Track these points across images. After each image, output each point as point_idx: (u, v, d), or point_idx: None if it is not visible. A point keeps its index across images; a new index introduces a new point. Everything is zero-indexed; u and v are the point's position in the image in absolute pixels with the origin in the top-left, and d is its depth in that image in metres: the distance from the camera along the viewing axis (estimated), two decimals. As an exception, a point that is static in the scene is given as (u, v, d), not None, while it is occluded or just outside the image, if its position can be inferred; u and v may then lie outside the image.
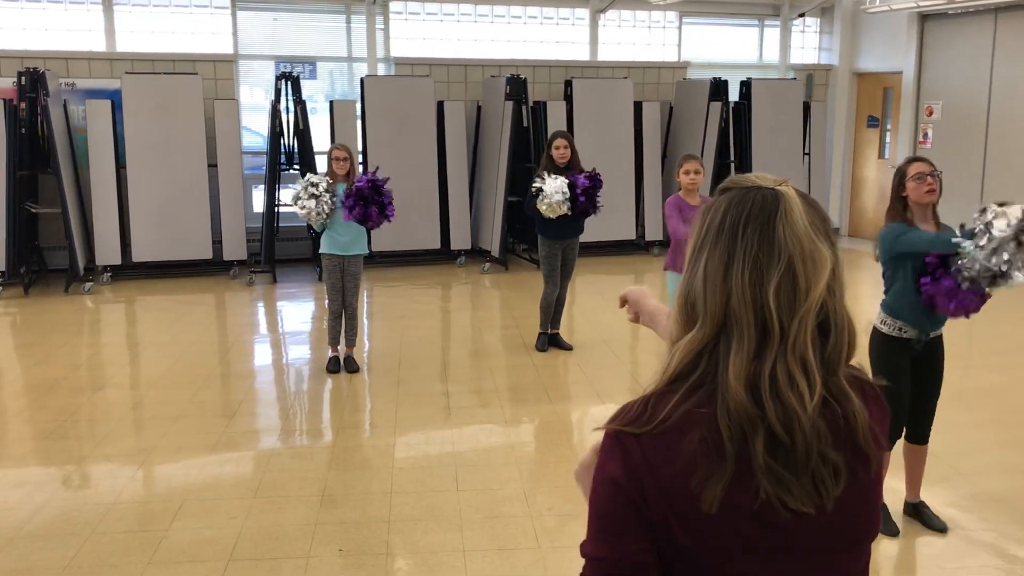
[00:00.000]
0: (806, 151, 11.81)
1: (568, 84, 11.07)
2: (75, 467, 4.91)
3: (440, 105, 10.54)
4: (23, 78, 9.00)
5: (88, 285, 9.15)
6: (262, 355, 7.38)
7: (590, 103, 10.96)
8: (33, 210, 9.34)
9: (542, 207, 6.46)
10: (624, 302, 1.94)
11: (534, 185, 6.55)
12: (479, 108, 11.04)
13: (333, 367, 6.50)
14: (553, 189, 6.42)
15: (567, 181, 6.49)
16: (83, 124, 9.54)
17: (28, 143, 9.13)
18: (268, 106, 10.09)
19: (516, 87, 10.27)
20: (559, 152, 6.66)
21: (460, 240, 10.64)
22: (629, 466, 1.19)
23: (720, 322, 1.19)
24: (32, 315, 8.36)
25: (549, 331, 7.07)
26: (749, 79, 11.54)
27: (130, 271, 9.68)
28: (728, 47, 12.64)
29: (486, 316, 8.50)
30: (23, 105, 9.02)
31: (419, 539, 3.95)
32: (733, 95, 11.43)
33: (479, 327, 8.01)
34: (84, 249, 9.47)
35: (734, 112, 11.41)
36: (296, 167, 10.08)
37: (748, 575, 1.18)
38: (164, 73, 9.76)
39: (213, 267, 9.91)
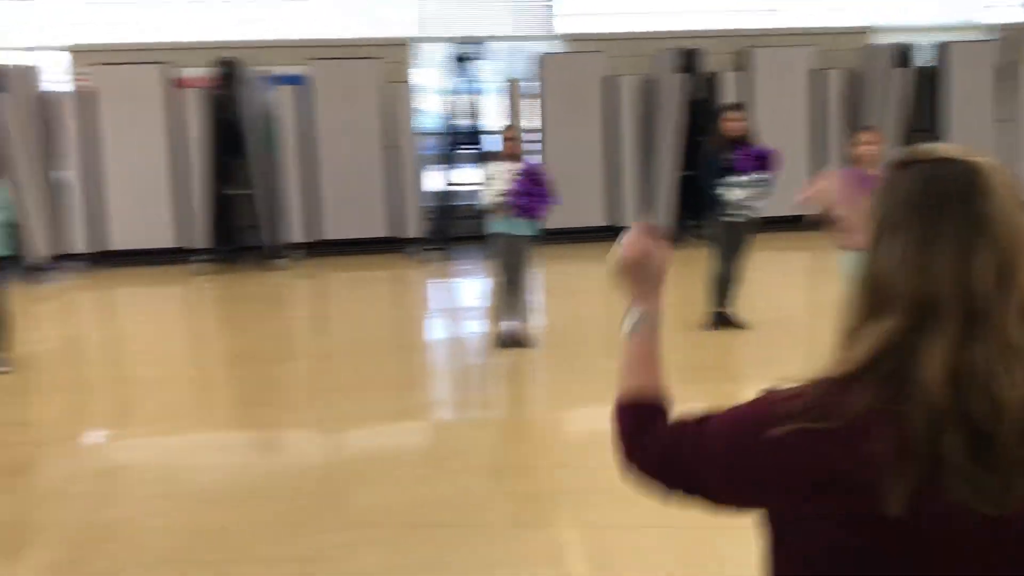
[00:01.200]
0: (1006, 118, 10.92)
1: (743, 54, 10.72)
2: (269, 432, 5.27)
3: (611, 80, 10.47)
4: (219, 68, 9.65)
5: (279, 262, 9.73)
6: (437, 329, 7.63)
7: (767, 73, 10.58)
8: (230, 192, 10.02)
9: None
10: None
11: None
12: (650, 82, 10.88)
13: (505, 342, 6.64)
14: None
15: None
16: (273, 109, 10.11)
17: (225, 129, 9.78)
18: (443, 87, 10.36)
19: (688, 59, 10.05)
20: (732, 124, 6.47)
21: (629, 216, 10.57)
22: (805, 458, 1.12)
23: (917, 308, 1.09)
24: (230, 290, 8.99)
25: (722, 309, 6.92)
26: (943, 42, 10.77)
27: (318, 248, 10.23)
28: (920, 7, 11.84)
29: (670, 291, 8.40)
30: (220, 93, 9.67)
31: (589, 513, 3.99)
32: (923, 59, 10.71)
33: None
34: (277, 228, 10.07)
35: (924, 78, 10.69)
36: (469, 147, 10.31)
37: None
38: (347, 58, 10.18)
39: (391, 245, 10.31)
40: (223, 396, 6.09)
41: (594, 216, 10.53)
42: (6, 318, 6.17)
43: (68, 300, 8.85)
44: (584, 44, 10.98)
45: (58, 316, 8.34)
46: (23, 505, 4.38)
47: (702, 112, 10.45)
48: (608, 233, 10.59)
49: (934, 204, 1.11)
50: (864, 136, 5.57)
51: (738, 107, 6.58)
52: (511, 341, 6.59)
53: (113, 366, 6.82)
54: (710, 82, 10.52)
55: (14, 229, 6.25)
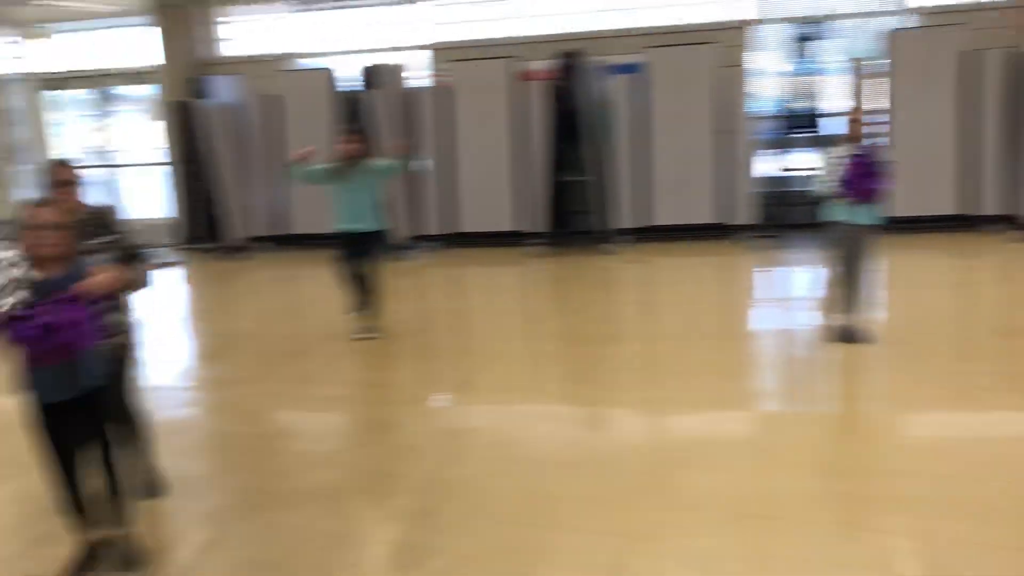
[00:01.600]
0: None
1: None
2: (596, 409, 5.51)
3: (971, 55, 9.52)
4: (561, 59, 10.10)
5: (611, 247, 10.03)
6: (765, 319, 7.47)
7: None
8: (566, 179, 10.48)
9: None
10: None
11: None
12: (1018, 56, 9.75)
13: (840, 337, 6.34)
14: None
15: None
16: (610, 98, 10.40)
17: (563, 118, 10.24)
18: (779, 70, 10.04)
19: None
20: None
21: (992, 205, 9.58)
22: None
23: None
24: (564, 272, 9.43)
25: None
26: None
27: (649, 234, 10.38)
28: None
29: (1020, 291, 7.58)
30: (560, 84, 10.13)
31: (930, 524, 3.74)
32: None
33: (1010, 303, 7.19)
34: (609, 214, 10.38)
35: None
36: (809, 129, 9.92)
37: None
38: (681, 45, 10.21)
39: (721, 231, 10.21)
40: (555, 372, 6.44)
41: (944, 204, 9.69)
42: (378, 290, 7.01)
43: (423, 277, 9.78)
44: (941, 17, 10.08)
45: (415, 291, 9.26)
46: (386, 457, 4.97)
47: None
48: (961, 223, 9.69)
49: None
50: None
51: None
52: (847, 336, 6.29)
53: (458, 337, 7.46)
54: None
55: (383, 209, 7.05)
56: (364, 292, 7.00)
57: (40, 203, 3.50)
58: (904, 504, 3.93)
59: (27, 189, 12.56)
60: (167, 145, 12.18)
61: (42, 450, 3.50)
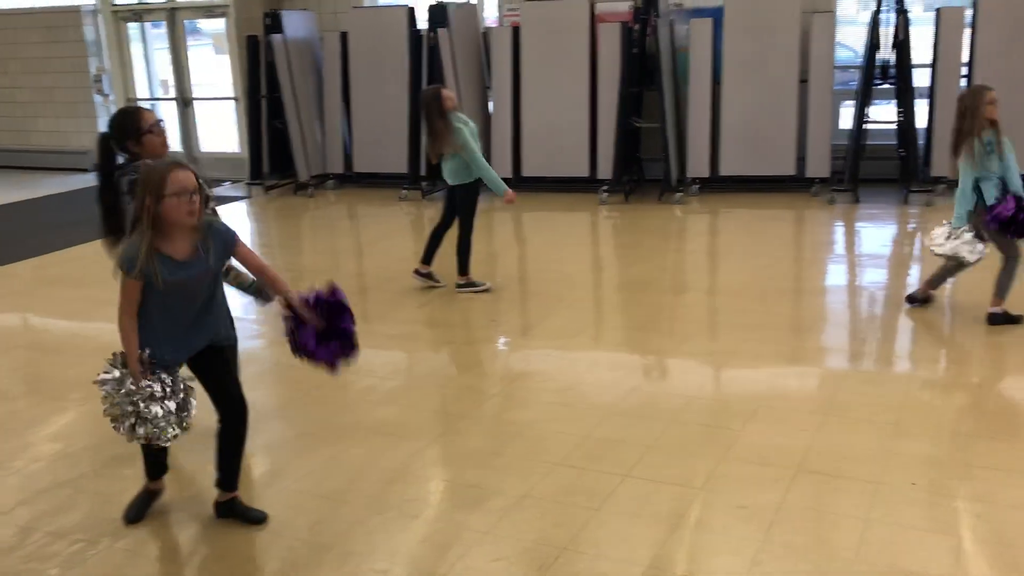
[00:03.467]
0: None
1: None
2: (659, 359, 5.45)
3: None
4: (639, 1, 9.84)
5: (679, 195, 9.85)
6: (837, 275, 7.28)
7: None
8: (637, 125, 10.28)
9: None
10: None
11: None
12: None
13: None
14: None
15: None
16: (686, 42, 10.13)
17: (638, 62, 10.01)
18: (867, 18, 9.64)
19: None
20: None
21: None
22: None
23: None
24: (630, 220, 9.31)
25: None
26: None
27: (718, 184, 10.17)
28: None
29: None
30: (636, 26, 9.88)
31: (1001, 492, 3.63)
32: None
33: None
34: (678, 162, 10.18)
35: None
36: (891, 82, 9.54)
37: None
38: (764, -11, 9.85)
39: (796, 184, 9.94)
40: (616, 319, 6.39)
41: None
42: (461, 241, 6.77)
43: (488, 221, 9.74)
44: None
45: (483, 234, 9.24)
46: (450, 398, 5.01)
47: None
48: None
49: None
50: None
51: None
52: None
53: (523, 282, 7.43)
54: None
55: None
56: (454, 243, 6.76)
57: (173, 164, 3.25)
58: (981, 471, 3.82)
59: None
60: (238, 80, 12.27)
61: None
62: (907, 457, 3.95)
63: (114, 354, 3.40)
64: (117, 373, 3.34)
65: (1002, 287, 5.56)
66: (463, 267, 6.77)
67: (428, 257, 6.92)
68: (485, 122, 10.61)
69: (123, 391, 3.31)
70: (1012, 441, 4.09)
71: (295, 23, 11.32)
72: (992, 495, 3.61)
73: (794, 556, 3.25)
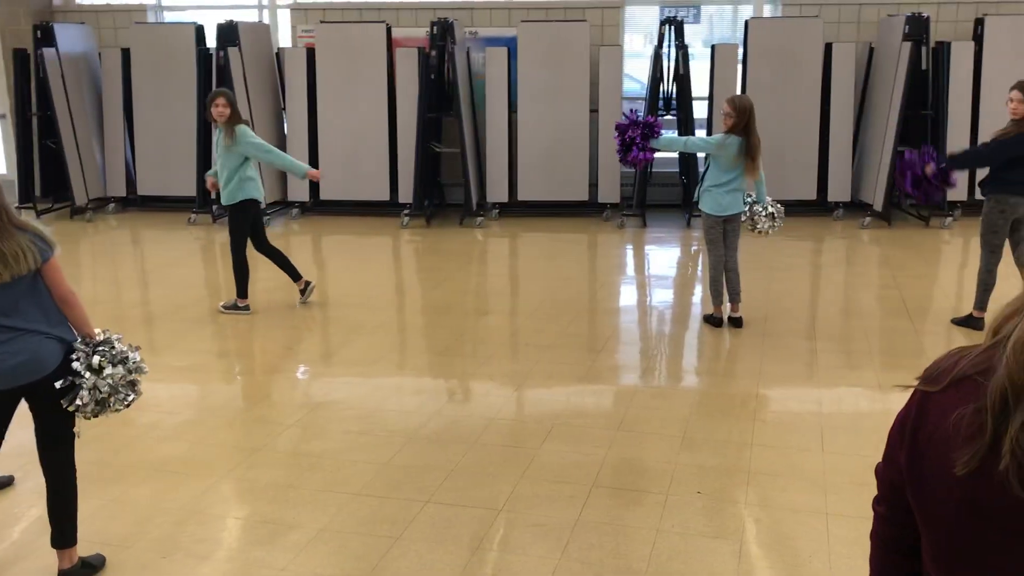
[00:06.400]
0: None
1: (979, 23, 9.89)
2: (462, 382, 5.47)
3: (828, 47, 9.96)
4: (435, 28, 9.94)
5: (480, 220, 9.99)
6: (628, 296, 7.61)
7: (1003, 44, 9.71)
8: (436, 150, 10.35)
9: None
10: None
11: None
12: (871, 50, 10.26)
13: (711, 320, 6.34)
14: None
15: None
16: (482, 70, 10.32)
17: (435, 88, 10.09)
18: (649, 52, 10.21)
19: (916, 26, 9.39)
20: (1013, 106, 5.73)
21: (839, 192, 10.07)
22: (903, 418, 1.27)
23: None
24: (432, 244, 9.34)
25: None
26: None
27: (516, 208, 10.40)
28: None
29: (862, 273, 8.01)
30: (433, 53, 9.97)
31: (777, 496, 3.90)
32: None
33: (853, 285, 7.59)
34: (478, 186, 10.33)
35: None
36: (674, 113, 10.13)
37: (966, 551, 1.17)
38: (556, 21, 10.22)
39: (589, 208, 10.33)
40: (419, 344, 6.37)
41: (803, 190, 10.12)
42: (237, 262, 6.63)
43: (287, 245, 9.46)
44: (801, 8, 10.47)
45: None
46: (242, 431, 4.79)
47: (925, 85, 9.78)
48: (810, 208, 10.16)
49: None
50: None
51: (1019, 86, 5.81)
52: (717, 321, 6.34)
53: (321, 308, 7.26)
54: (936, 53, 9.79)
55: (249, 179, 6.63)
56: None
57: None
58: (759, 476, 4.08)
59: None
60: (5, 96, 11.31)
61: None
62: (694, 467, 4.16)
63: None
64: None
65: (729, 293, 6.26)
66: (241, 289, 6.75)
67: (293, 273, 6.93)
68: (281, 144, 10.32)
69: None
70: (782, 449, 4.40)
71: (70, 37, 10.58)
72: (770, 499, 3.86)
73: (590, 571, 3.33)
